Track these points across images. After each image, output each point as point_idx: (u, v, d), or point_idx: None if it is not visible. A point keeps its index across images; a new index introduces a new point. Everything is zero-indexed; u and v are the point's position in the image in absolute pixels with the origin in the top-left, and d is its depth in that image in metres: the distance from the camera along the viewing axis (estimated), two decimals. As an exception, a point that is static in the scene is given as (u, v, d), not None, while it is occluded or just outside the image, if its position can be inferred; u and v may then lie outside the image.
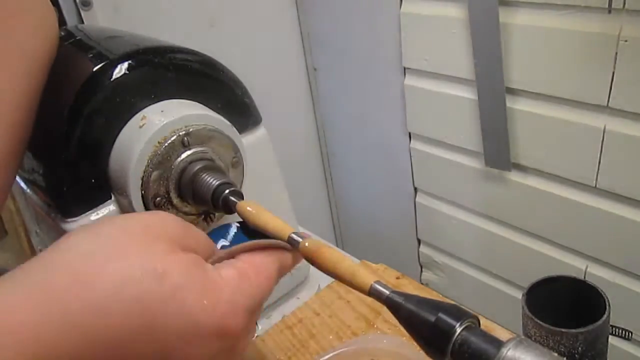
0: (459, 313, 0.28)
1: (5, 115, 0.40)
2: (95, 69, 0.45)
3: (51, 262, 0.28)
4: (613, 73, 0.73)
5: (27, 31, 0.41)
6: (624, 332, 0.59)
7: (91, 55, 0.48)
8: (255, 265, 0.33)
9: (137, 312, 0.27)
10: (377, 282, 0.31)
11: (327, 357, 0.55)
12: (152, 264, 0.28)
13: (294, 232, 0.36)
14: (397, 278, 0.65)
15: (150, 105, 0.47)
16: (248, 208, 0.40)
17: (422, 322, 0.28)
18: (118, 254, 0.28)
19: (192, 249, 0.32)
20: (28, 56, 0.42)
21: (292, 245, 0.35)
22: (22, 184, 0.56)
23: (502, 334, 0.56)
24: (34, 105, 0.43)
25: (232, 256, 0.34)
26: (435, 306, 0.29)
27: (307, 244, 0.34)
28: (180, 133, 0.45)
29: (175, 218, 0.33)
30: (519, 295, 0.69)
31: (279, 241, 0.36)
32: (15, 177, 0.44)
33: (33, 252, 1.22)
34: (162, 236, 0.30)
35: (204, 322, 0.29)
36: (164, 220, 0.32)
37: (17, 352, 0.24)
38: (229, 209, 0.43)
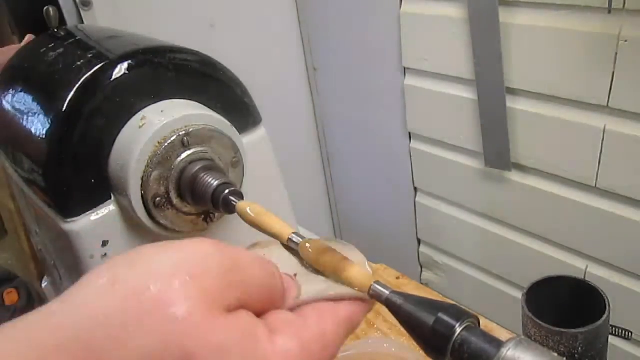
0: (458, 313, 0.28)
1: None
2: (95, 69, 0.45)
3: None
4: (613, 73, 0.73)
5: None
6: (624, 332, 0.59)
7: (91, 55, 0.48)
8: (324, 337, 0.27)
9: None
10: (377, 282, 0.31)
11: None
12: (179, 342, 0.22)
13: (293, 233, 0.36)
14: (397, 278, 0.65)
15: (150, 105, 0.47)
16: (248, 208, 0.40)
17: (422, 322, 0.28)
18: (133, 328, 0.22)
19: (242, 301, 0.25)
20: None
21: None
22: (22, 184, 0.56)
23: (502, 334, 0.56)
24: None
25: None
26: (435, 306, 0.28)
27: (307, 245, 0.34)
28: (180, 133, 0.45)
29: (218, 253, 0.25)
30: (519, 295, 0.69)
31: (356, 292, 0.30)
32: None
33: (33, 252, 1.22)
34: (198, 294, 0.23)
35: None
36: (204, 262, 0.25)
37: None
38: (229, 209, 0.43)
